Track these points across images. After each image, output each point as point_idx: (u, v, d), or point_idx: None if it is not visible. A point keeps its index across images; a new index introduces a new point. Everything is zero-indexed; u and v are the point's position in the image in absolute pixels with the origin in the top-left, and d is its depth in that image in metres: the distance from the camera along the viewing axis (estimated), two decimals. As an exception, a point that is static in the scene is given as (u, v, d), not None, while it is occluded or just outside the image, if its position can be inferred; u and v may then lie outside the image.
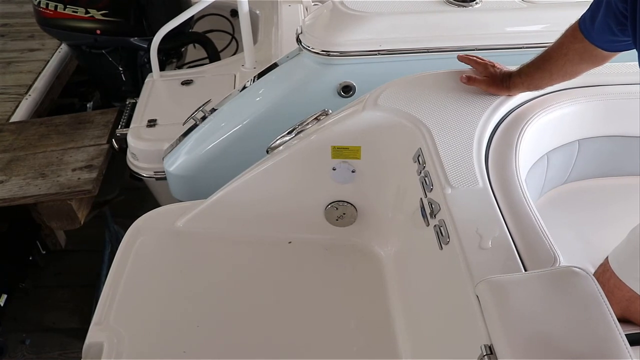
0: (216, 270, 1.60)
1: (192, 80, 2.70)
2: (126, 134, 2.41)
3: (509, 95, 1.48)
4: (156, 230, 1.69)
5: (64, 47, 3.35)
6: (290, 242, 1.67)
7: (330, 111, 1.56)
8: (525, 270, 1.05)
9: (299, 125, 1.56)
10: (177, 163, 2.20)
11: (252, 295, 1.52)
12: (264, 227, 1.67)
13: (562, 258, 1.08)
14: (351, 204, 1.61)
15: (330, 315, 1.47)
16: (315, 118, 1.55)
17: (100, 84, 3.35)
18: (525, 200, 1.20)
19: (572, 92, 1.51)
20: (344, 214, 1.63)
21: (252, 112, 2.09)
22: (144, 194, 2.77)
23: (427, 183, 1.28)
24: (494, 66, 1.49)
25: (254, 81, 2.16)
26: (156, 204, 2.62)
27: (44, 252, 2.78)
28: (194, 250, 1.65)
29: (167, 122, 2.43)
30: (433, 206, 1.23)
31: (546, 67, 1.36)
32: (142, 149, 2.37)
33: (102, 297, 1.51)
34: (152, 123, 2.43)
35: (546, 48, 1.37)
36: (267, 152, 1.61)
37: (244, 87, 2.15)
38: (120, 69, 3.06)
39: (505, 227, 1.13)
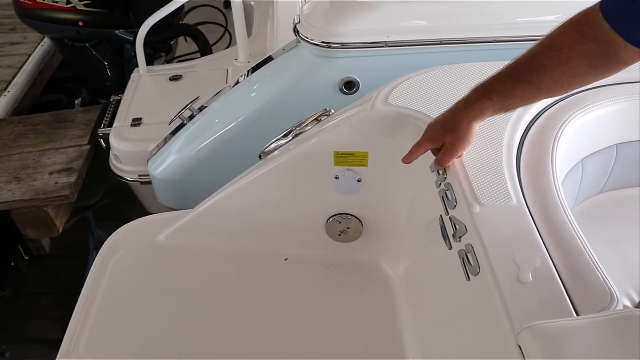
0: (202, 291, 1.38)
1: (181, 75, 2.50)
2: (108, 134, 2.19)
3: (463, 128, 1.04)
4: (135, 245, 1.49)
5: (47, 41, 3.11)
6: (286, 259, 1.45)
7: (332, 111, 1.34)
8: (577, 312, 0.84)
9: (296, 126, 1.34)
10: (162, 166, 1.99)
11: (243, 320, 1.31)
12: (257, 242, 1.46)
13: (618, 294, 0.87)
14: (356, 217, 1.39)
15: (333, 344, 1.26)
16: (316, 119, 1.32)
17: (85, 79, 3.12)
18: (569, 220, 0.98)
19: (610, 89, 1.29)
20: (348, 228, 1.41)
21: (246, 110, 1.87)
22: (134, 195, 2.56)
23: (449, 198, 1.06)
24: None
25: (247, 76, 1.94)
26: (145, 208, 2.44)
27: (27, 258, 2.60)
28: (178, 268, 1.44)
29: (153, 120, 2.22)
30: (457, 227, 1.01)
31: (533, 80, 0.95)
32: (125, 150, 2.16)
33: (71, 322, 1.32)
34: (136, 122, 2.22)
35: (525, 53, 0.96)
36: (260, 157, 1.39)
37: (237, 83, 1.93)
38: (106, 63, 2.84)
39: (547, 255, 0.92)
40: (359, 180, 1.30)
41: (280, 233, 1.44)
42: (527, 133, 1.19)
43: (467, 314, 0.98)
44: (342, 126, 1.26)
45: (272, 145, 1.36)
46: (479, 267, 0.92)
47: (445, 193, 1.08)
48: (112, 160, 2.24)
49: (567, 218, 0.99)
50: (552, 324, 0.76)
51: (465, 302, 0.98)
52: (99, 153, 2.38)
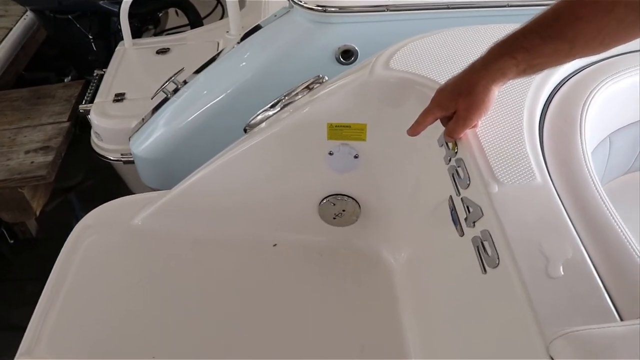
0: (182, 281, 1.23)
1: (168, 48, 2.34)
2: (89, 110, 2.03)
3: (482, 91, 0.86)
4: (108, 230, 1.33)
5: (29, 14, 2.92)
6: (275, 245, 1.29)
7: (326, 78, 1.17)
8: (620, 316, 0.68)
9: (285, 95, 1.17)
10: (145, 144, 1.83)
11: (227, 314, 1.16)
12: (242, 225, 1.30)
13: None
14: (353, 199, 1.23)
15: (325, 341, 1.10)
16: (307, 87, 1.16)
17: (70, 54, 2.93)
18: (604, 203, 0.82)
19: (644, 53, 1.12)
20: (344, 210, 1.25)
21: (235, 81, 1.70)
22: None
23: (461, 176, 0.90)
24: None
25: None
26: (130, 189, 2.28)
27: (12, 242, 2.45)
28: (155, 255, 1.29)
29: (137, 96, 2.07)
30: (471, 210, 0.85)
31: (566, 34, 0.77)
32: (106, 128, 2.00)
33: (33, 317, 1.17)
34: (119, 97, 2.06)
35: (558, 3, 0.78)
36: (245, 130, 1.23)
37: (220, 52, 1.76)
38: (91, 37, 2.67)
39: (580, 243, 0.75)
40: (356, 157, 1.13)
41: (268, 216, 1.28)
42: (550, 102, 1.02)
43: (482, 313, 0.82)
44: (337, 94, 1.09)
45: (259, 117, 1.19)
46: (498, 258, 0.76)
47: (456, 170, 0.91)
48: (94, 139, 2.08)
49: (602, 200, 0.82)
50: (593, 331, 0.60)
51: (480, 300, 0.82)
52: (82, 131, 2.23)
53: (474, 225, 0.84)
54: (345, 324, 1.14)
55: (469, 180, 0.87)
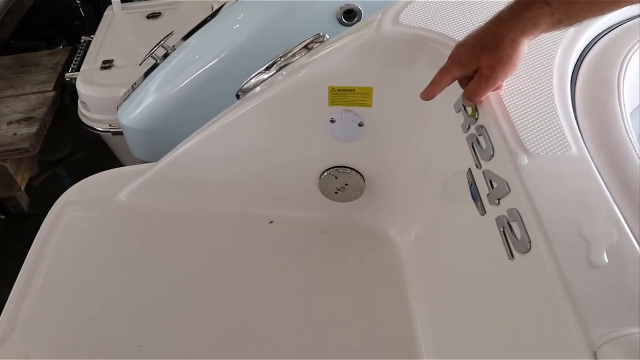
0: (169, 261, 1.12)
1: (159, 12, 2.21)
2: (76, 79, 1.90)
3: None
4: (89, 207, 1.23)
5: (15, -23, 2.75)
6: (271, 222, 1.18)
7: (327, 36, 1.04)
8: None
9: (281, 57, 1.04)
10: (134, 114, 1.70)
11: (219, 298, 1.05)
12: (235, 201, 1.18)
13: None
14: (356, 171, 1.11)
15: (325, 329, 1.00)
16: (305, 46, 1.02)
17: (58, 21, 2.77)
18: (651, 175, 0.70)
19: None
20: (347, 184, 1.13)
21: (229, 44, 1.57)
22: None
23: (483, 146, 0.77)
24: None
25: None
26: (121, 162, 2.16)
27: (3, 217, 2.36)
28: (142, 233, 1.18)
29: (126, 63, 1.95)
30: (495, 185, 0.73)
31: None
32: (93, 96, 1.88)
33: (8, 302, 1.07)
34: (107, 64, 1.93)
35: None
36: (238, 96, 1.10)
37: (215, 14, 1.62)
38: (78, 1, 2.51)
39: (625, 225, 0.63)
40: (360, 125, 1.01)
41: (264, 190, 1.16)
42: (581, 63, 0.89)
43: (507, 307, 0.70)
44: (339, 54, 0.96)
45: (252, 81, 1.07)
46: (529, 242, 0.64)
47: (477, 139, 0.79)
48: (81, 109, 1.96)
49: (648, 173, 0.70)
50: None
51: (505, 290, 0.70)
52: (72, 101, 2.10)
53: (499, 202, 0.72)
54: (346, 309, 1.03)
55: (493, 151, 0.75)
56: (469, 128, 0.82)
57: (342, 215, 1.18)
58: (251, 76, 1.07)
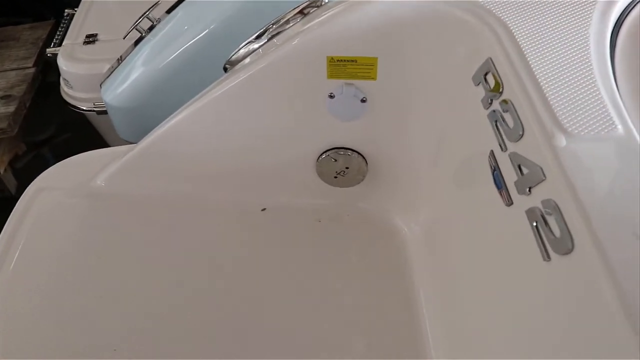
0: (152, 253, 1.00)
1: (147, -17, 2.02)
2: (57, 54, 1.76)
3: None
4: (64, 193, 1.10)
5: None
6: (263, 210, 1.06)
7: (326, 0, 0.91)
8: None
9: (273, 24, 0.91)
10: (118, 91, 1.56)
11: (207, 292, 0.94)
12: (224, 186, 1.06)
13: None
14: (359, 154, 0.98)
15: (324, 326, 0.89)
16: (301, 11, 0.89)
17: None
18: None
19: None
20: (347, 168, 1.00)
21: (220, 13, 1.42)
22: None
23: (509, 124, 0.65)
24: None
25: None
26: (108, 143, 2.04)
27: (-13, 200, 2.22)
28: (120, 222, 1.05)
29: (111, 37, 1.80)
30: (525, 171, 0.61)
31: None
32: (75, 73, 1.74)
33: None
34: (90, 39, 1.79)
35: None
36: (225, 69, 0.97)
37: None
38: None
39: (689, 218, 0.52)
40: (363, 101, 0.88)
41: (255, 174, 1.04)
42: (620, 25, 0.76)
43: (543, 318, 0.58)
44: (338, 20, 0.83)
45: (241, 52, 0.94)
46: (572, 242, 0.52)
47: (501, 116, 0.67)
48: (63, 87, 1.82)
49: None
50: None
51: (537, 298, 0.59)
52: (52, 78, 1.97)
53: (530, 191, 0.60)
54: (347, 308, 0.91)
55: (522, 130, 0.62)
56: (491, 103, 0.70)
57: (343, 202, 1.06)
58: (240, 46, 0.94)
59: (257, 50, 0.92)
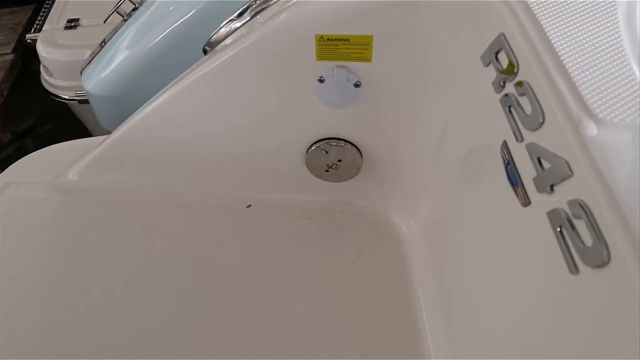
0: (128, 254, 0.91)
1: (134, -34, 1.91)
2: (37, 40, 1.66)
3: None
4: (33, 188, 1.01)
5: None
6: (249, 207, 0.97)
7: (316, -28, 0.80)
8: None
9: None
10: (99, 78, 1.46)
11: (188, 297, 0.84)
12: (204, 179, 0.96)
13: None
14: (352, 144, 0.88)
15: (315, 334, 0.79)
16: (287, -15, 0.79)
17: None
18: None
19: None
20: (340, 160, 0.91)
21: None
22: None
23: (525, 110, 0.55)
24: None
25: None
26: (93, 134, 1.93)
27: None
28: (94, 220, 0.96)
29: (94, 21, 1.70)
30: (546, 165, 0.51)
31: None
32: (55, 60, 1.64)
33: None
34: (72, 23, 1.69)
35: None
36: (205, 51, 0.87)
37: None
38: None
39: None
40: (357, 85, 0.78)
41: (238, 167, 0.94)
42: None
43: (568, 343, 0.48)
44: (329, -7, 0.73)
45: (222, 31, 0.84)
46: (607, 252, 0.42)
47: (516, 101, 0.57)
48: (43, 74, 1.72)
49: None
50: None
51: (563, 319, 0.49)
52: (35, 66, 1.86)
53: (553, 190, 0.50)
54: (340, 315, 0.82)
55: (542, 117, 0.52)
56: (503, 86, 0.60)
57: (335, 198, 0.96)
58: (221, 25, 0.84)
59: (239, 29, 0.82)
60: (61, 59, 1.63)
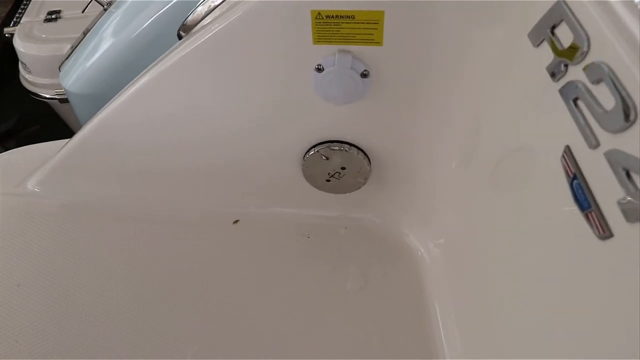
0: (90, 281, 0.75)
1: (122, -45, 1.76)
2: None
3: None
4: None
5: None
6: (236, 222, 0.81)
7: None
8: None
9: (240, -30, 0.64)
10: (78, 74, 1.31)
11: (161, 332, 0.68)
12: (183, 191, 0.80)
13: None
14: (358, 149, 0.72)
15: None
16: (277, -50, 0.62)
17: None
18: None
19: None
20: (344, 168, 0.74)
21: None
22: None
23: (602, 105, 0.39)
24: None
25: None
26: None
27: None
28: (56, 239, 0.82)
29: (77, 14, 1.54)
30: (636, 181, 0.35)
31: None
32: (33, 55, 1.49)
33: None
34: (52, 16, 1.53)
35: None
36: (179, 36, 0.72)
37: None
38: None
39: None
40: (364, 75, 0.61)
41: (224, 176, 0.78)
42: None
43: None
44: (329, -42, 0.57)
45: (199, 10, 0.68)
46: None
47: (587, 92, 0.40)
48: (22, 72, 1.57)
49: None
50: None
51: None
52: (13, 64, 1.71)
53: (654, 218, 0.34)
54: (342, 356, 0.66)
55: (635, 113, 0.36)
56: (565, 71, 0.43)
57: (338, 213, 0.80)
58: (198, 3, 0.68)
59: (220, 7, 0.66)
60: (40, 54, 1.48)
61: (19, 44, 1.48)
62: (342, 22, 0.57)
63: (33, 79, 1.53)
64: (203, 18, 0.67)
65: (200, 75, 0.65)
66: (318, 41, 0.59)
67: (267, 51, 0.61)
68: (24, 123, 1.90)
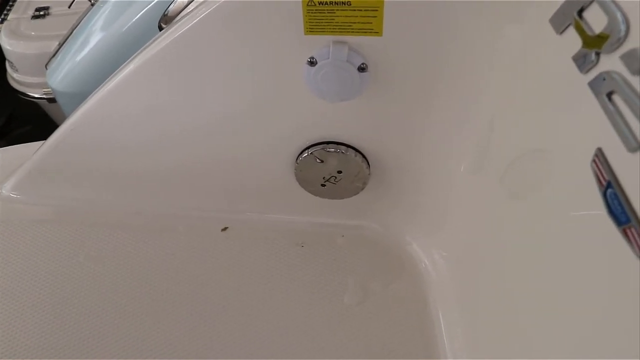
0: (69, 292, 0.69)
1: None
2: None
3: None
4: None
5: None
6: (224, 230, 0.75)
7: None
8: None
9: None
10: (66, 71, 1.25)
11: (148, 337, 0.62)
12: (168, 195, 0.74)
13: None
14: (356, 151, 0.66)
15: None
16: None
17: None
18: None
19: None
20: (340, 172, 0.68)
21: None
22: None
23: (637, 97, 0.32)
24: None
25: None
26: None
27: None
28: (33, 248, 0.75)
29: (65, 11, 1.48)
30: None
31: None
32: (20, 53, 1.43)
33: None
34: (41, 12, 1.47)
35: None
36: (160, 27, 0.65)
37: None
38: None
39: None
40: (361, 69, 0.55)
41: (211, 180, 0.72)
42: None
43: None
44: (322, -63, 0.50)
45: (180, 0, 0.61)
46: None
47: (624, 84, 0.34)
48: (9, 70, 1.51)
49: None
50: None
51: None
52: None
53: None
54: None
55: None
56: (596, 62, 0.37)
57: (334, 220, 0.74)
58: (179, -8, 0.62)
59: (201, -4, 0.59)
60: (27, 52, 1.43)
61: (5, 42, 1.42)
62: (337, 10, 0.51)
63: (20, 77, 1.48)
64: (184, 8, 0.61)
65: (182, 68, 0.59)
66: (310, 31, 0.52)
67: (253, 42, 0.54)
68: (15, 123, 1.84)
